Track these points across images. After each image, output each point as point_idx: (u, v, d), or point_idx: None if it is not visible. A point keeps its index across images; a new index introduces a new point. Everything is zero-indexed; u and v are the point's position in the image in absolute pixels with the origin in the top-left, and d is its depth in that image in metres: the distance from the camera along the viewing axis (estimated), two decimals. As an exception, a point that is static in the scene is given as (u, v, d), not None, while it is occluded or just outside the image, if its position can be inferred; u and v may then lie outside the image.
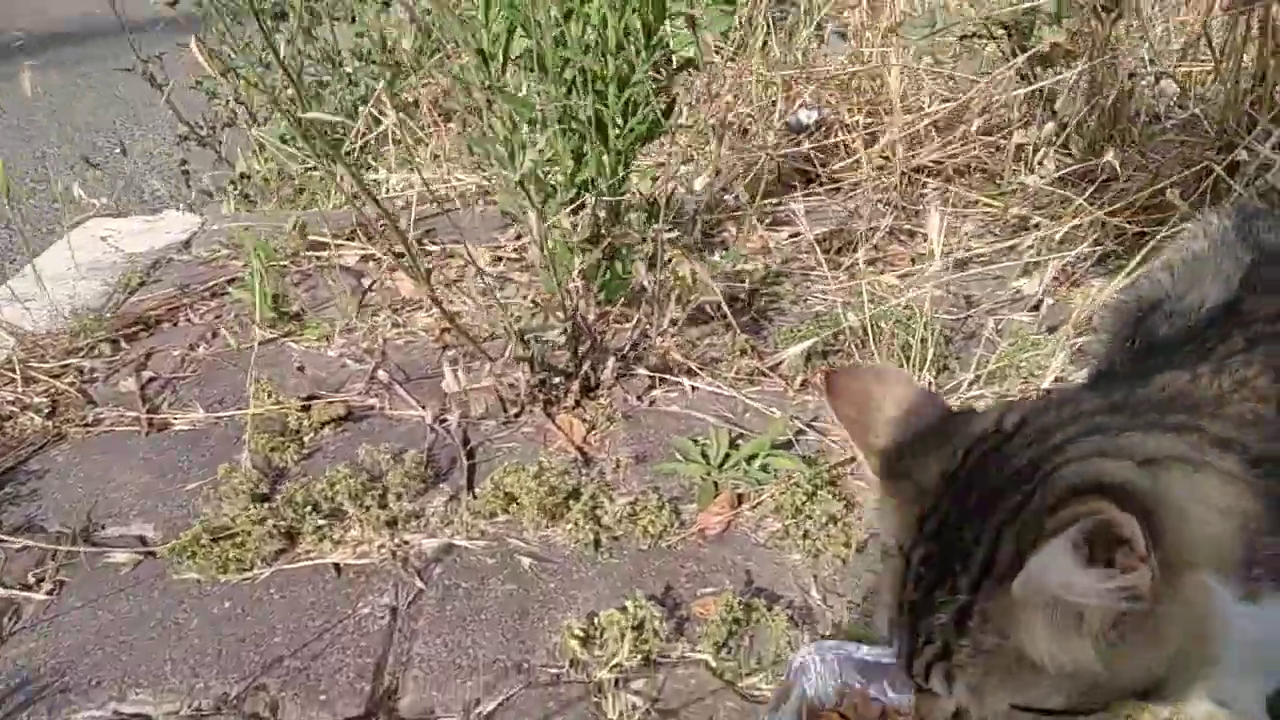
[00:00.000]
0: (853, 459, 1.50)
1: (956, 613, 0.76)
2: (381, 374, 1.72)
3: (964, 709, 0.79)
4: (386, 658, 1.19)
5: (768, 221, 2.27)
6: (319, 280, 2.05)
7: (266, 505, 1.41)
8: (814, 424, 1.60)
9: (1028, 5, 2.03)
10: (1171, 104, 2.29)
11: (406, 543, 1.35)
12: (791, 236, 2.23)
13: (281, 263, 2.09)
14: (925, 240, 2.02)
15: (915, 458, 0.85)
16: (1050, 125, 1.99)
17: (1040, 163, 1.99)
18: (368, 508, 1.38)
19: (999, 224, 2.19)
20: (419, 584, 1.30)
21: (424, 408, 1.63)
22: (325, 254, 2.08)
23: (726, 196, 2.32)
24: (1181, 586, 0.74)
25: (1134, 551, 0.69)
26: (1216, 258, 1.10)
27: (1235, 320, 0.98)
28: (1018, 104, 2.37)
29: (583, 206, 1.63)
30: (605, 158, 1.74)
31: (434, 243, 2.17)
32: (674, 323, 1.58)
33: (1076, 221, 1.93)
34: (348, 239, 2.14)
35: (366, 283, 2.00)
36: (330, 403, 1.63)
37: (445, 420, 1.60)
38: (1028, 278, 1.90)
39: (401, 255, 1.47)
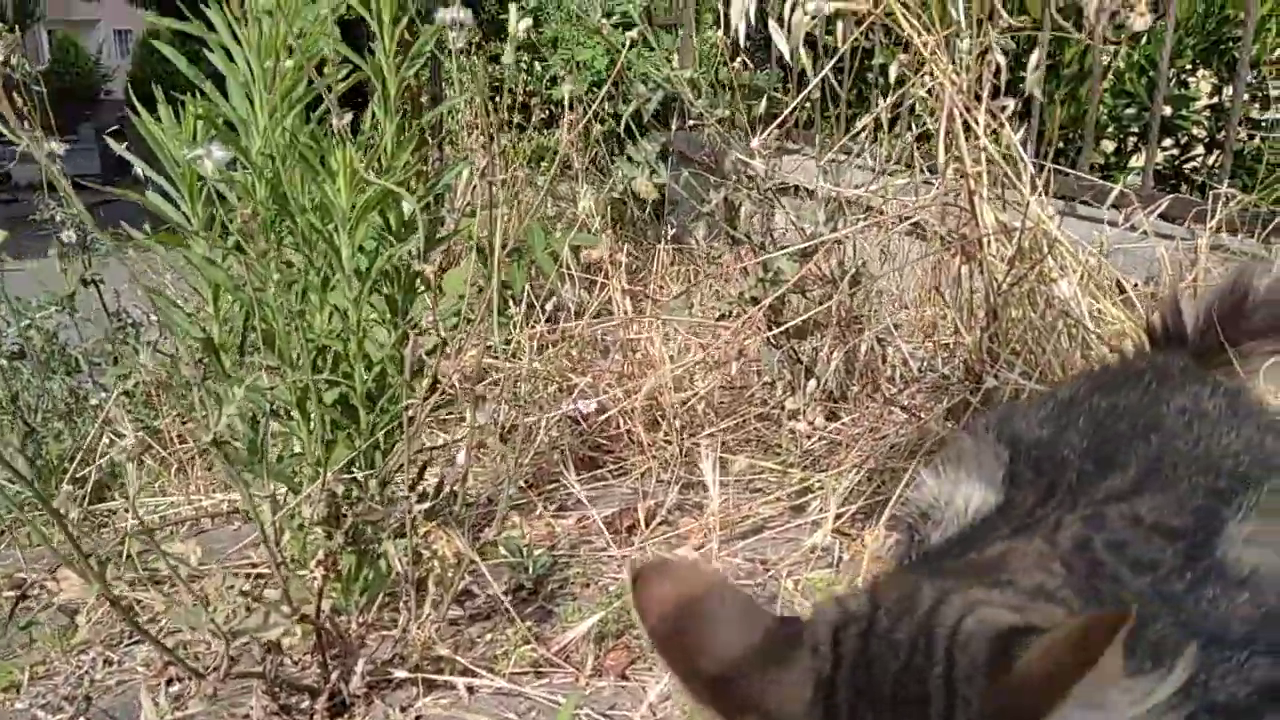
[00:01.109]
0: (656, 745, 1.30)
1: None
2: (80, 722, 1.39)
3: None
4: None
5: (554, 509, 2.15)
6: (14, 626, 1.71)
7: None
8: (612, 712, 1.39)
9: (773, 279, 2.14)
10: (923, 365, 2.43)
11: None
12: (579, 521, 2.11)
13: (-28, 608, 1.74)
14: (713, 511, 1.96)
15: (761, 679, 0.67)
16: (812, 384, 2.04)
17: (811, 423, 2.01)
18: None
19: (784, 491, 2.17)
20: None
21: (129, 757, 1.31)
22: (29, 593, 1.77)
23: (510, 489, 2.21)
24: None
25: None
26: (978, 454, 1.06)
27: (1002, 517, 0.94)
28: (782, 379, 2.44)
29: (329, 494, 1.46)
30: (358, 443, 1.61)
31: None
32: (436, 607, 1.38)
33: (855, 475, 1.93)
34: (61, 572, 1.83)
35: (82, 620, 1.69)
36: (1, 767, 1.28)
37: (155, 770, 1.28)
38: (820, 530, 1.84)
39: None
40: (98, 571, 1.12)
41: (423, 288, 1.66)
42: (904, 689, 0.63)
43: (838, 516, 1.86)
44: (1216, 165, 3.33)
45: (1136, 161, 3.47)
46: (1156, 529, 0.82)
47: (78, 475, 2.21)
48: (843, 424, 2.13)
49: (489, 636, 1.60)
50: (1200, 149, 3.58)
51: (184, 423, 2.68)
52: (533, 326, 2.69)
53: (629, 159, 2.80)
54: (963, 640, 0.64)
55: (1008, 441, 1.01)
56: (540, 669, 1.49)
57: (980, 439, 1.07)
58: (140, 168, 1.65)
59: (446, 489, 1.53)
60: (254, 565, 1.88)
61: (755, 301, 2.24)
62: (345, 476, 1.45)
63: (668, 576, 0.72)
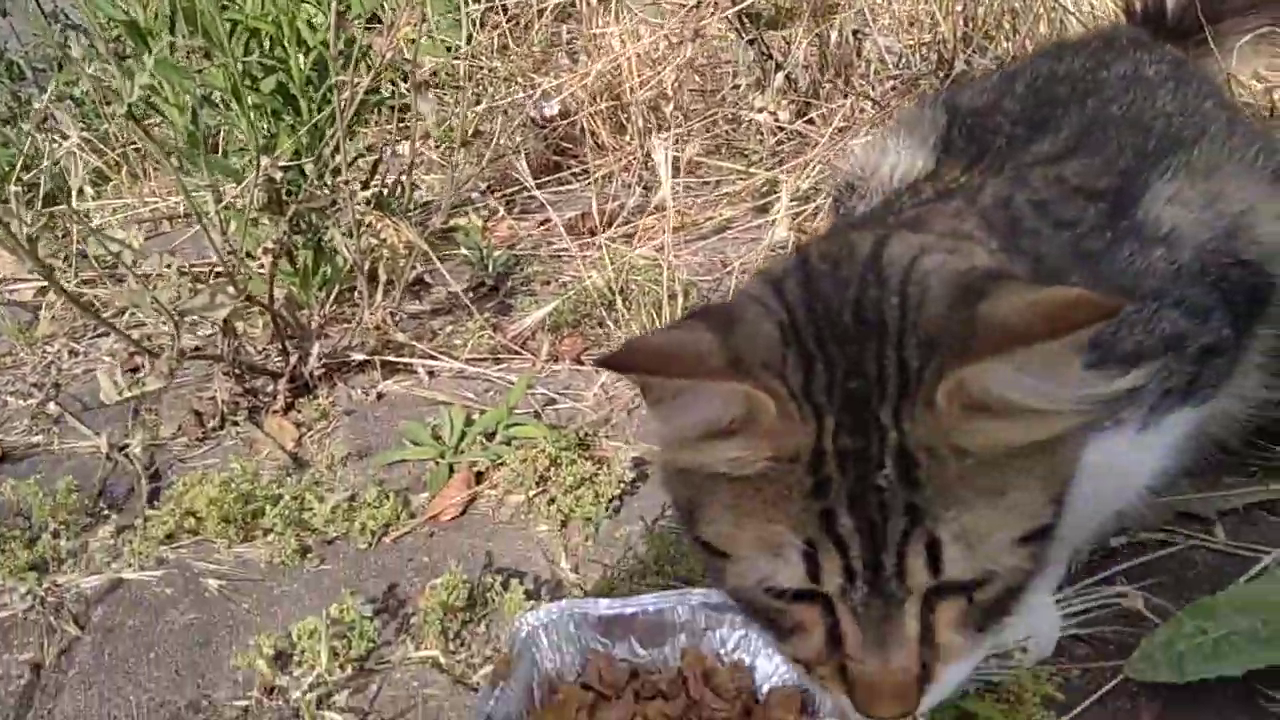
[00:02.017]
0: (607, 419, 1.36)
1: (898, 459, 0.59)
2: (52, 407, 1.45)
3: (929, 627, 0.61)
4: (20, 725, 0.94)
5: (515, 211, 2.13)
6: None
7: (-127, 570, 1.11)
8: (565, 392, 1.44)
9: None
10: (899, 60, 2.32)
11: (59, 585, 1.10)
12: (541, 224, 2.10)
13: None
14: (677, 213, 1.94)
15: (748, 348, 0.65)
16: (780, 76, 1.96)
17: (774, 115, 1.95)
18: (7, 551, 1.11)
19: (747, 189, 2.14)
20: (74, 630, 1.05)
21: (100, 435, 1.37)
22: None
23: (473, 193, 2.18)
24: None
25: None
26: (914, 122, 1.03)
27: (929, 183, 0.92)
28: (752, 75, 2.35)
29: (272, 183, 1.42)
30: (300, 135, 1.56)
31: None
32: (388, 294, 1.40)
33: (818, 171, 1.90)
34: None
35: (44, 315, 1.71)
36: (-22, 444, 1.35)
37: (126, 446, 1.34)
38: (777, 226, 1.83)
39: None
40: (29, 248, 1.12)
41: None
42: (860, 316, 0.63)
43: (798, 214, 1.84)
44: None
45: None
46: (1080, 190, 0.81)
47: (23, 179, 2.16)
48: (812, 121, 2.06)
49: (449, 329, 1.63)
50: None
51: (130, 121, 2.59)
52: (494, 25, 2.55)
53: None
54: (919, 277, 0.63)
55: (947, 109, 0.97)
56: (498, 355, 1.54)
57: (921, 108, 1.03)
58: None
59: (392, 180, 1.50)
60: (212, 266, 1.88)
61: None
62: (289, 164, 1.41)
63: (636, 350, 0.69)
